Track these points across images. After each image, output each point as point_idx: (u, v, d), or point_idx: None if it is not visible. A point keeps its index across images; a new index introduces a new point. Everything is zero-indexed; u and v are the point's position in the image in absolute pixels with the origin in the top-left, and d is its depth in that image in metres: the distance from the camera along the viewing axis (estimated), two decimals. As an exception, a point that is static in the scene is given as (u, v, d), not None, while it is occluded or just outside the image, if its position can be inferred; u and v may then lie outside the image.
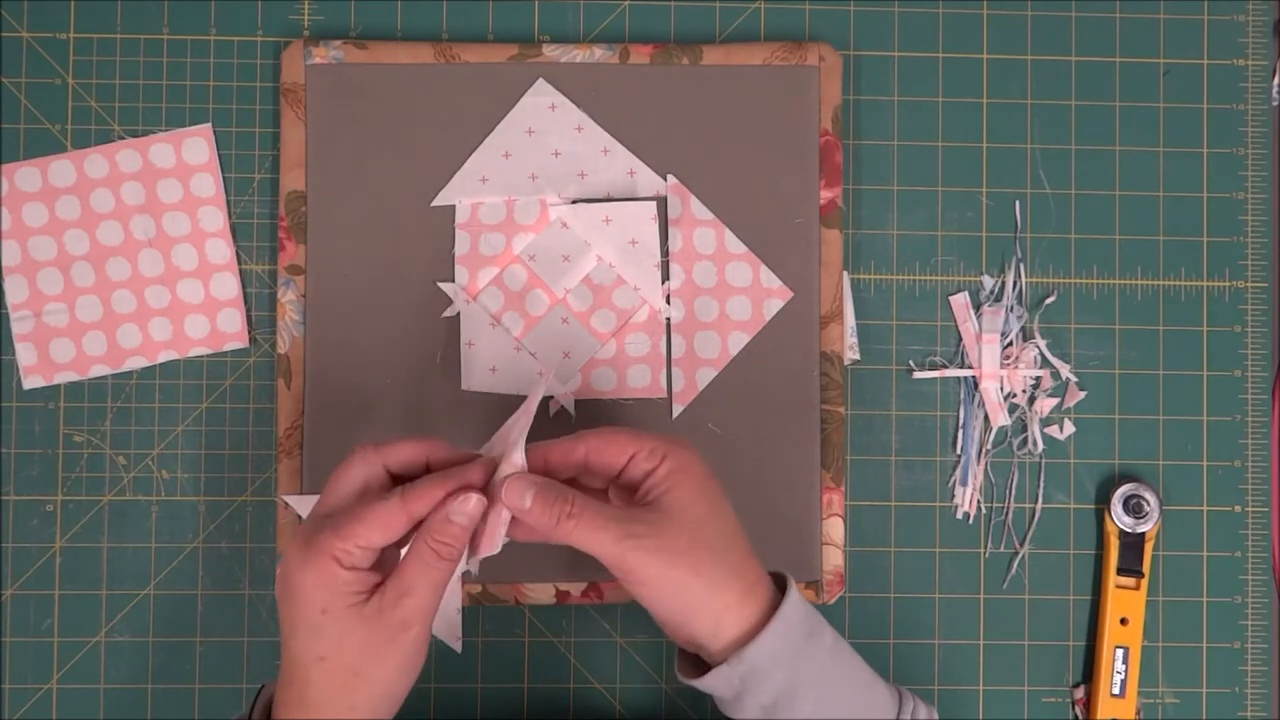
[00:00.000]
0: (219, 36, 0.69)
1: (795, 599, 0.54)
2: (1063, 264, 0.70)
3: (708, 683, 0.53)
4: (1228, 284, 0.70)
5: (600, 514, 0.52)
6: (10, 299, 0.67)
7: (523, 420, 0.54)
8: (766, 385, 0.67)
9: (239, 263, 0.68)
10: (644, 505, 0.53)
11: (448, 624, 0.63)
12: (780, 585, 0.55)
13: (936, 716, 0.56)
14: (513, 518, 0.53)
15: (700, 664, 0.55)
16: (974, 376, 0.69)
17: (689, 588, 0.52)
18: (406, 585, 0.51)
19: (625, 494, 0.55)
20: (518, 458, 0.53)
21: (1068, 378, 0.69)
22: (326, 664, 0.51)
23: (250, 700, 0.56)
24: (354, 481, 0.53)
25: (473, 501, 0.52)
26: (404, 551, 0.52)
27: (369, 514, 0.51)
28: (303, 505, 0.65)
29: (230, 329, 0.68)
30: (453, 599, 0.62)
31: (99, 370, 0.67)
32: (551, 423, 0.66)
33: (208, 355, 0.68)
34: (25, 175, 0.67)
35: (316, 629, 0.51)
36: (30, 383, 0.67)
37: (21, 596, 0.67)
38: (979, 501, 0.69)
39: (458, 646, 0.60)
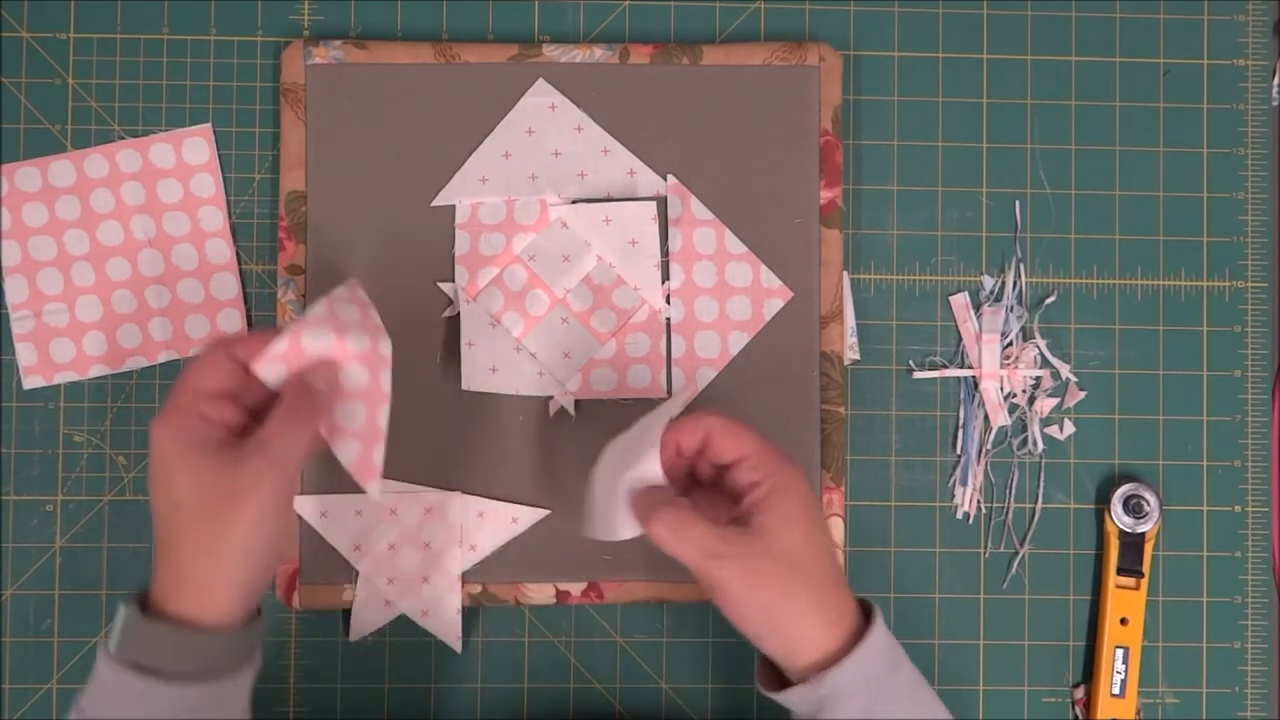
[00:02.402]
0: (219, 36, 0.69)
1: (880, 631, 0.54)
2: (1063, 264, 0.70)
3: (787, 698, 0.54)
4: (1228, 284, 0.70)
5: (695, 528, 0.52)
6: (10, 299, 0.67)
7: (655, 430, 0.55)
8: (766, 385, 0.67)
9: (239, 263, 0.68)
10: (740, 524, 0.53)
11: (447, 625, 0.63)
12: (865, 611, 0.55)
13: None
14: None
15: (779, 674, 0.56)
16: (974, 376, 0.69)
17: (772, 613, 0.53)
18: (266, 435, 0.52)
19: (723, 495, 0.56)
20: (653, 470, 0.54)
21: (1068, 378, 0.69)
22: (183, 512, 0.51)
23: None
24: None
25: (328, 370, 0.55)
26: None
27: (192, 362, 0.54)
28: (302, 505, 0.65)
29: (230, 329, 0.68)
30: (451, 599, 0.63)
31: (99, 370, 0.67)
32: (551, 423, 0.66)
33: (208, 355, 0.68)
34: (25, 175, 0.67)
35: (167, 478, 0.51)
36: (30, 383, 0.67)
37: (21, 596, 0.67)
38: (979, 501, 0.69)
39: (457, 647, 0.61)
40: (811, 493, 0.55)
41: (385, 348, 0.56)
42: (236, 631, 0.52)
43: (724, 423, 0.55)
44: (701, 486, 0.57)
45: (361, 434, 0.56)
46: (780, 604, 0.53)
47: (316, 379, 0.54)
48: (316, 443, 0.55)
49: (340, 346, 0.54)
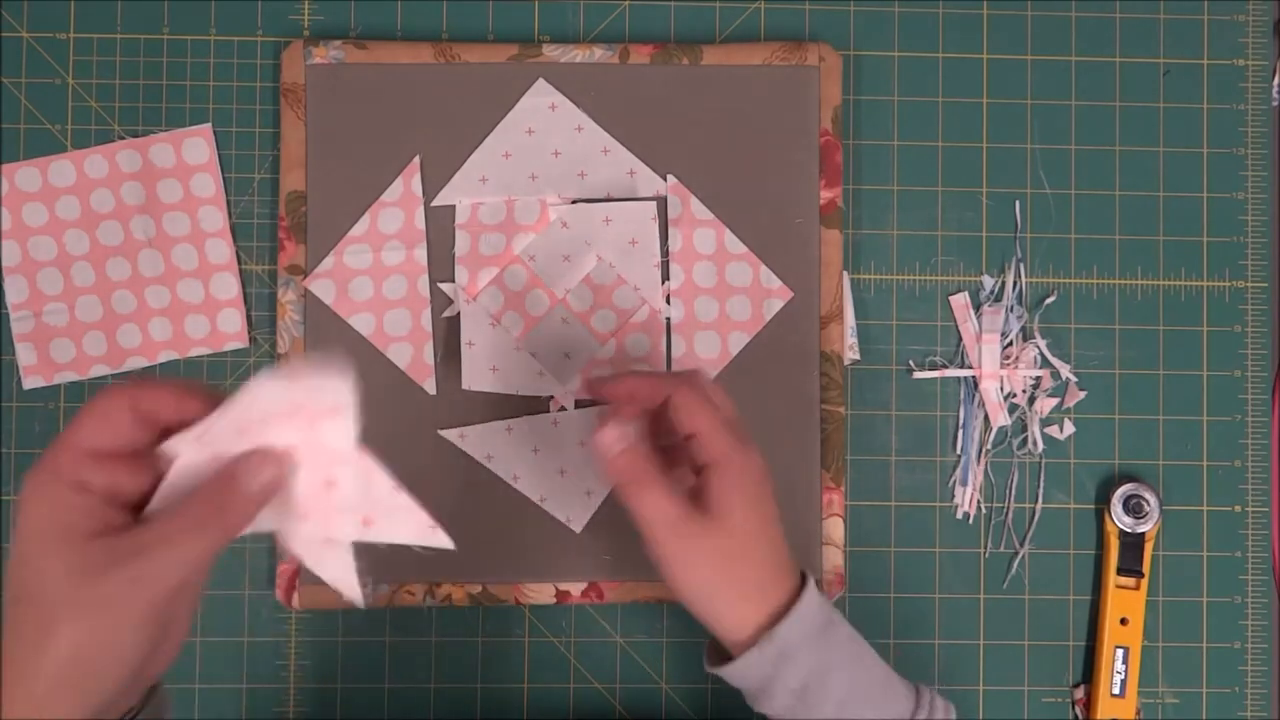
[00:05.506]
0: (219, 36, 0.69)
1: (813, 590, 0.54)
2: (1063, 264, 0.70)
3: (739, 668, 0.54)
4: (1228, 284, 0.70)
5: (664, 498, 0.52)
6: (10, 299, 0.67)
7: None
8: (766, 385, 0.67)
9: (239, 263, 0.68)
10: (699, 502, 0.53)
11: (345, 579, 0.49)
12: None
13: (954, 713, 0.56)
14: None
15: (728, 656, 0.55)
16: (974, 376, 0.69)
17: (712, 595, 0.53)
18: (150, 538, 0.42)
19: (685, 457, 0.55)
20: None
21: (1068, 378, 0.69)
22: (20, 606, 0.41)
23: None
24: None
25: (274, 467, 0.44)
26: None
27: (85, 407, 0.43)
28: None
29: (230, 329, 0.68)
30: (344, 558, 0.49)
31: (99, 370, 0.67)
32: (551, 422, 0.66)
33: (208, 355, 0.68)
34: (25, 175, 0.67)
35: (21, 559, 0.42)
36: (30, 383, 0.67)
37: (21, 596, 0.67)
38: (979, 501, 0.69)
39: (361, 601, 0.48)
40: (764, 474, 0.54)
41: (421, 255, 0.64)
42: None
43: (688, 394, 0.53)
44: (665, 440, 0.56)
45: (410, 337, 0.63)
46: (729, 585, 0.53)
47: (253, 475, 0.44)
48: (225, 543, 0.44)
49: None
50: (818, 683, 0.53)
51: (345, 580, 0.48)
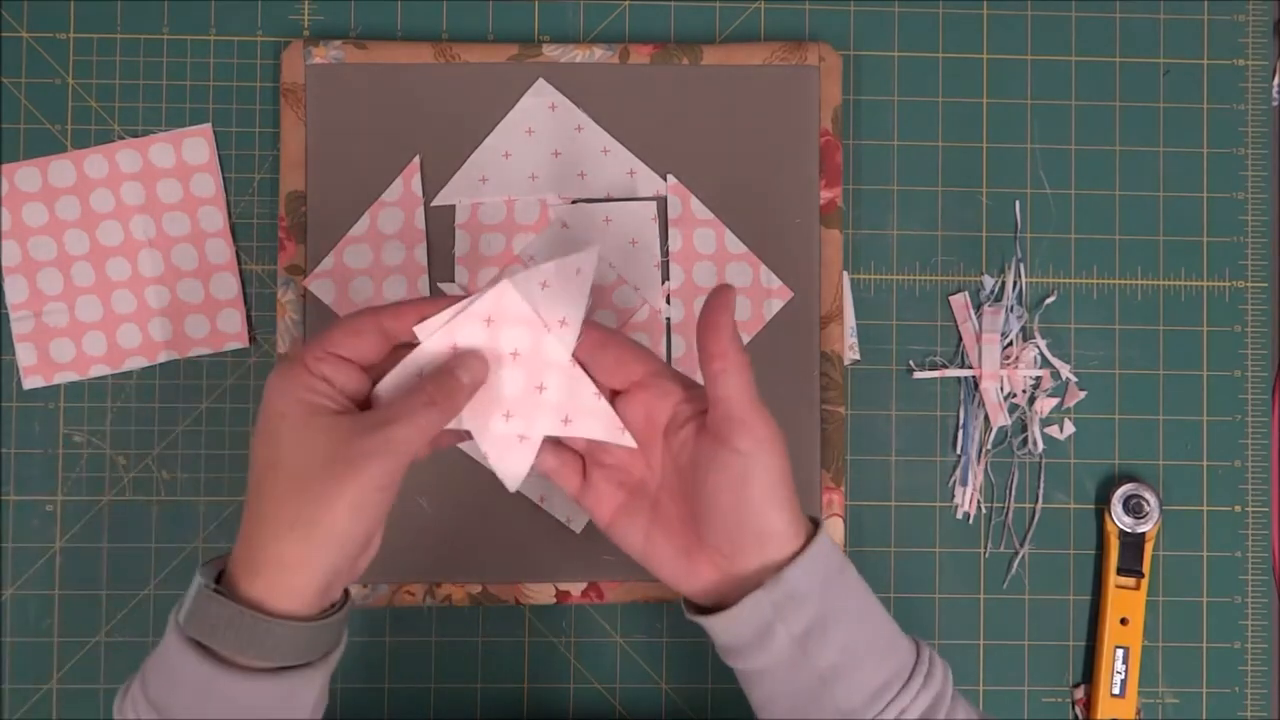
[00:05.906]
0: (219, 36, 0.69)
1: (825, 535, 0.52)
2: (1063, 264, 0.70)
3: (738, 614, 0.50)
4: (1228, 284, 0.70)
5: (748, 371, 0.51)
6: (10, 299, 0.67)
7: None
8: (766, 385, 0.67)
9: (239, 263, 0.68)
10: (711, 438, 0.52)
11: (519, 472, 0.55)
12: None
13: (950, 673, 0.54)
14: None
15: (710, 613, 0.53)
16: (974, 376, 0.69)
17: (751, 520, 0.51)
18: (393, 414, 0.48)
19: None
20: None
21: (1068, 378, 0.69)
22: (279, 476, 0.47)
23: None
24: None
25: (482, 366, 0.52)
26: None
27: (339, 322, 0.51)
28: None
29: (230, 329, 0.68)
30: (529, 454, 0.55)
31: (99, 370, 0.67)
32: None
33: (208, 355, 0.68)
34: (25, 175, 0.67)
35: (273, 434, 0.48)
36: (30, 383, 0.67)
37: (21, 596, 0.67)
38: (979, 501, 0.69)
39: (513, 487, 0.54)
40: (781, 443, 0.52)
41: (421, 255, 0.63)
42: (311, 623, 0.48)
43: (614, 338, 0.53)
44: None
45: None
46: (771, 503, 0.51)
47: (466, 369, 0.51)
48: (440, 441, 0.52)
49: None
50: (820, 628, 0.50)
51: (518, 473, 0.54)
